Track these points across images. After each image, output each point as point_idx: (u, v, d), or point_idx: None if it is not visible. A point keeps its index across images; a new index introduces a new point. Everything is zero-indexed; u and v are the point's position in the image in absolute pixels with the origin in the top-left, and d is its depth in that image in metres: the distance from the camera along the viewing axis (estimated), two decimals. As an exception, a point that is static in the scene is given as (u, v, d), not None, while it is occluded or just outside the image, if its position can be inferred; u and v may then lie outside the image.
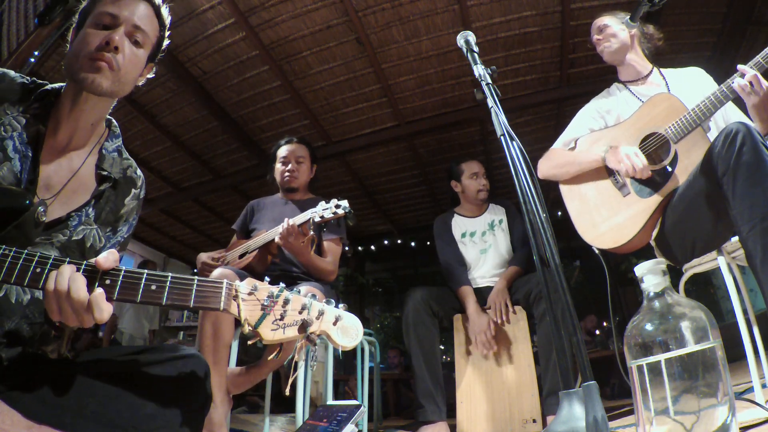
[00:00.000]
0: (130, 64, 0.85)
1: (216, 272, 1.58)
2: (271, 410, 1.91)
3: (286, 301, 0.70)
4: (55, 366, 0.74)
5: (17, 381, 0.70)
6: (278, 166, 2.10)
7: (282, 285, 0.72)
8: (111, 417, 0.68)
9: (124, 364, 0.74)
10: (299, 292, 0.72)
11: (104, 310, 0.63)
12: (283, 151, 2.11)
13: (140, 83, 0.95)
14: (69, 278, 0.63)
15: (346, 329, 0.72)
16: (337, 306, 0.73)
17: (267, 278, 0.74)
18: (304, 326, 0.69)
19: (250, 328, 0.68)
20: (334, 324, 0.71)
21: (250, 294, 0.69)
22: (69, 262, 0.66)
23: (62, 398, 0.68)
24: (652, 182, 1.42)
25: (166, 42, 0.96)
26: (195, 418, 0.77)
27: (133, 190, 0.96)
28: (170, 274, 0.67)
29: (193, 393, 0.76)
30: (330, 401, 1.89)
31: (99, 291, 0.63)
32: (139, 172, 0.98)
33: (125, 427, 0.69)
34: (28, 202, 0.72)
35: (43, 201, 0.80)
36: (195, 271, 1.84)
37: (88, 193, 0.87)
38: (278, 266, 1.89)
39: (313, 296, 0.72)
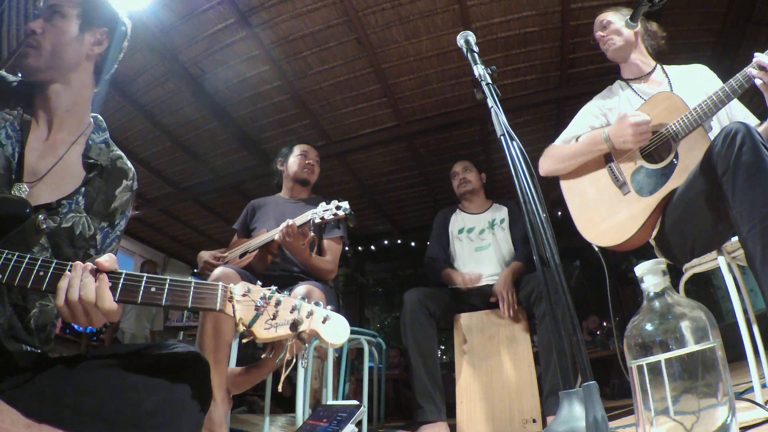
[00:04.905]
0: (51, 37, 0.87)
1: (217, 271, 1.58)
2: (271, 410, 1.91)
3: (278, 302, 0.74)
4: (54, 364, 0.74)
5: (16, 380, 0.70)
6: (297, 159, 2.15)
7: (274, 288, 0.76)
8: (110, 414, 0.68)
9: (124, 361, 0.74)
10: (289, 294, 0.74)
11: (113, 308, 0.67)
12: (303, 147, 2.20)
13: (95, 50, 0.94)
14: (81, 281, 0.66)
15: (335, 328, 0.75)
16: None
17: (259, 282, 0.78)
18: (295, 325, 0.72)
19: (244, 327, 0.71)
20: (323, 323, 0.75)
21: (244, 295, 0.73)
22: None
23: (62, 396, 0.68)
24: (653, 181, 1.42)
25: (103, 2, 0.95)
26: (195, 415, 0.77)
27: (125, 182, 0.96)
28: (169, 277, 0.70)
29: (193, 389, 0.76)
30: (330, 401, 1.89)
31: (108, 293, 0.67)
32: (129, 164, 0.99)
33: (125, 424, 0.69)
34: (28, 210, 0.76)
35: (43, 209, 0.82)
36: (195, 270, 1.85)
37: (77, 182, 0.89)
38: (278, 266, 1.89)
39: (304, 298, 0.76)
